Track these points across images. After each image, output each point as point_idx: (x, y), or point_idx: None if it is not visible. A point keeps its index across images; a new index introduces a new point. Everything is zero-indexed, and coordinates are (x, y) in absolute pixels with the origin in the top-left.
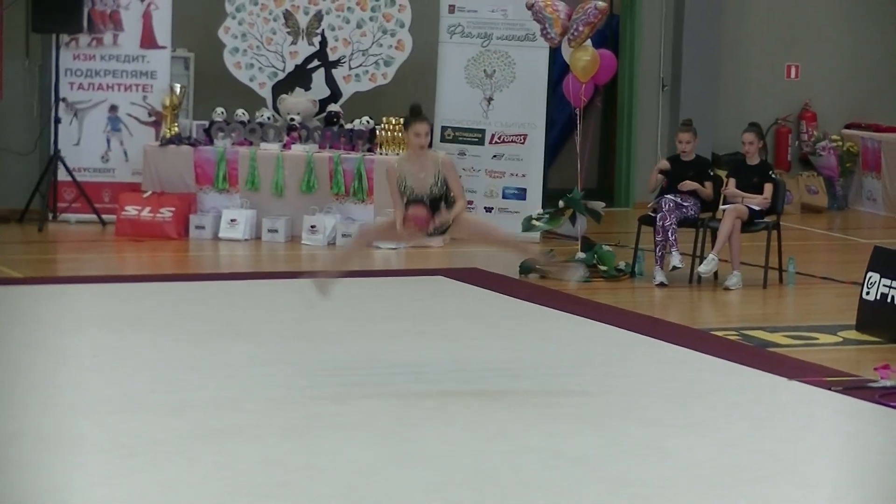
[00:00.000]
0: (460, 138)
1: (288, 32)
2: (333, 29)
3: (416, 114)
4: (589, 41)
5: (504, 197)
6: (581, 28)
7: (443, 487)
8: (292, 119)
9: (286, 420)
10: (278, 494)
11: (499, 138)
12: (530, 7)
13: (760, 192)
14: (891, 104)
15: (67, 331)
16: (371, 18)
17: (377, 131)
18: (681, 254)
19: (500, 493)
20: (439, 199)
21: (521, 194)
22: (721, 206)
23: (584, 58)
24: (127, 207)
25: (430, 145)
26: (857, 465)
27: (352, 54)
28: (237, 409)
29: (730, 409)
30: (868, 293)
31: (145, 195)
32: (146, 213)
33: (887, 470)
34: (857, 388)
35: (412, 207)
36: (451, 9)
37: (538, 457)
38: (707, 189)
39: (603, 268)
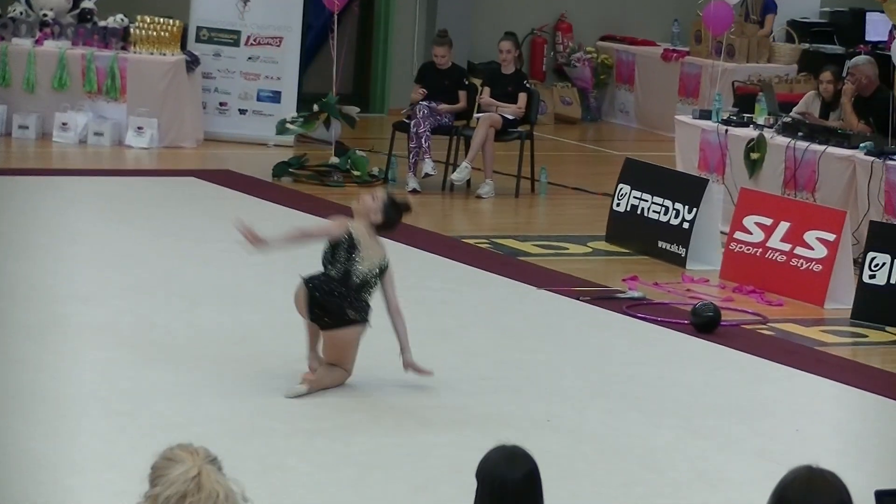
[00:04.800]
0: (215, 39)
1: None
2: None
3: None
4: None
5: (259, 99)
6: None
7: (187, 390)
8: (45, 15)
9: (31, 319)
10: (20, 396)
11: (254, 40)
12: None
13: (515, 101)
14: (646, 18)
15: None
16: None
17: (131, 29)
18: (434, 161)
19: (249, 407)
20: (363, 288)
21: (275, 97)
22: (475, 115)
23: None
24: None
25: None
26: (601, 376)
27: None
28: None
29: (478, 318)
30: (618, 204)
31: None
32: None
33: (631, 381)
34: (605, 299)
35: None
36: None
37: (281, 356)
38: (461, 102)
39: (356, 173)
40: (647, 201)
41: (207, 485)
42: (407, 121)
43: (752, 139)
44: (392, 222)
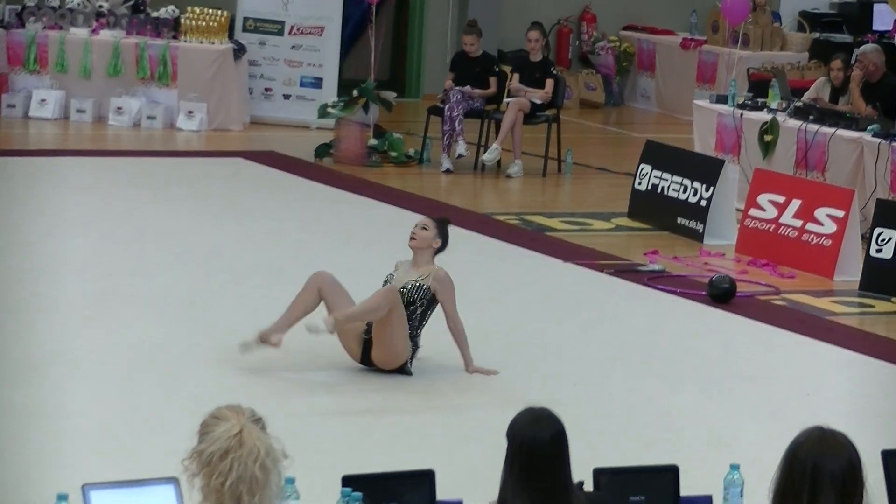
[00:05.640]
0: (261, 29)
1: None
2: None
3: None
4: None
5: (301, 85)
6: None
7: (233, 358)
8: (101, 6)
9: (86, 290)
10: (76, 360)
11: (297, 30)
12: None
13: (542, 87)
14: (666, 9)
15: None
16: None
17: (181, 20)
18: (466, 143)
19: (291, 361)
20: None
21: (317, 83)
22: (505, 100)
23: None
24: None
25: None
26: (623, 343)
27: None
28: (38, 281)
29: (508, 289)
30: (640, 183)
31: None
32: None
33: (651, 348)
34: (627, 272)
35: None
36: None
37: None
38: (491, 88)
39: (393, 154)
40: (666, 180)
41: (249, 441)
42: (441, 105)
43: (766, 122)
44: (448, 237)
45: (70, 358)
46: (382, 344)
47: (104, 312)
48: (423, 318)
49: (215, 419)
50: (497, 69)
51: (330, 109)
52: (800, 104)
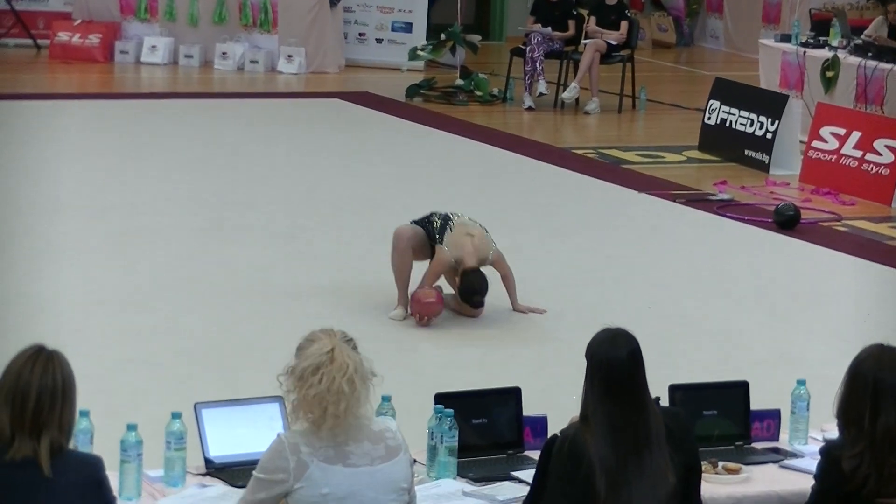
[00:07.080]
0: None
1: None
2: None
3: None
4: None
5: (393, 30)
6: None
7: (331, 288)
8: None
9: (198, 222)
10: (189, 287)
11: None
12: None
13: (617, 29)
14: None
15: (2, 143)
16: None
17: None
18: (547, 82)
19: (386, 298)
20: None
21: (407, 28)
22: (583, 41)
23: None
24: (59, 33)
25: None
26: (695, 268)
27: None
28: (154, 213)
29: (587, 218)
30: (709, 118)
31: (76, 23)
32: (76, 38)
33: (721, 272)
34: (698, 201)
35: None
36: None
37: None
38: (570, 30)
39: (479, 93)
40: (734, 115)
41: (339, 358)
42: (523, 46)
43: (827, 59)
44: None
45: (184, 285)
46: None
47: (215, 242)
48: None
49: (309, 341)
50: (575, 13)
51: (419, 52)
52: (859, 42)
